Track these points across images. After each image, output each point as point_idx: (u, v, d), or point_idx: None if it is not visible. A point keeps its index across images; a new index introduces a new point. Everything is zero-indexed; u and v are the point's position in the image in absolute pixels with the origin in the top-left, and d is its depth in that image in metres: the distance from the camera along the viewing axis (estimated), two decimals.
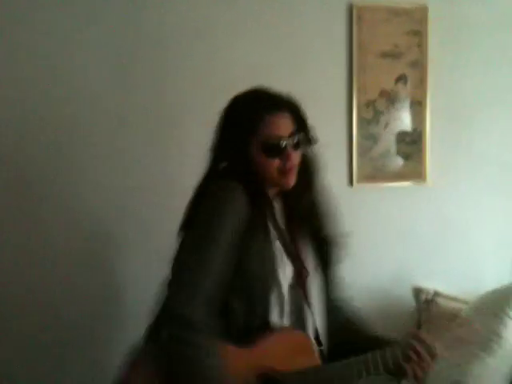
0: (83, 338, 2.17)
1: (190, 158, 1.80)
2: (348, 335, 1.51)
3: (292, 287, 1.40)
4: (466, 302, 2.35)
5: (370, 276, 2.45)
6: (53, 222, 2.16)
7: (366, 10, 2.35)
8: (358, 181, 2.39)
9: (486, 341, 2.06)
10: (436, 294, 2.43)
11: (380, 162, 2.41)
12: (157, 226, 2.13)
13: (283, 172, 1.37)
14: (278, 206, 1.46)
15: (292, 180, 1.38)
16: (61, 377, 2.16)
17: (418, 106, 2.43)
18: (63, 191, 2.17)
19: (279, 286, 1.35)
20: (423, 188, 2.48)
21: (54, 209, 2.16)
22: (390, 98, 2.40)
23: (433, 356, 1.32)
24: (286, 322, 1.38)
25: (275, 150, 1.35)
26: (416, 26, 2.41)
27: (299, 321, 1.41)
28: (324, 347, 1.42)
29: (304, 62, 2.34)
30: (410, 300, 2.49)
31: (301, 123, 1.43)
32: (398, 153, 2.43)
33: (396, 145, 2.43)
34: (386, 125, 2.41)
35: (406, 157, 2.44)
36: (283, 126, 1.37)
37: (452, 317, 2.30)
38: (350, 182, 2.40)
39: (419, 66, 2.42)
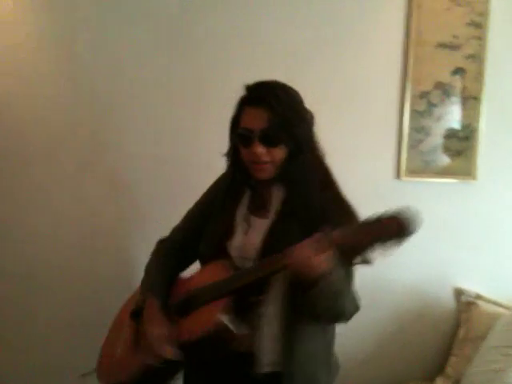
0: None
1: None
2: None
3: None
4: (508, 307, 2.29)
5: (411, 274, 2.40)
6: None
7: None
8: (406, 174, 2.33)
9: None
10: (477, 296, 2.38)
11: (430, 156, 2.34)
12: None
13: (253, 163, 1.43)
14: (278, 192, 1.50)
15: (260, 173, 1.43)
16: None
17: (473, 101, 2.34)
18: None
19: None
20: (472, 186, 2.40)
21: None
22: (445, 91, 2.32)
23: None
24: None
25: (244, 140, 1.42)
26: (477, 18, 2.32)
27: None
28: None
29: (359, 48, 2.29)
30: (450, 301, 2.44)
31: (282, 122, 1.40)
32: (449, 148, 2.36)
33: (447, 140, 2.35)
34: (439, 118, 2.33)
35: (457, 153, 2.36)
36: (255, 119, 1.40)
37: (492, 321, 2.25)
38: (398, 175, 2.34)
39: (477, 59, 2.33)
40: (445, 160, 2.36)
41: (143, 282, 1.57)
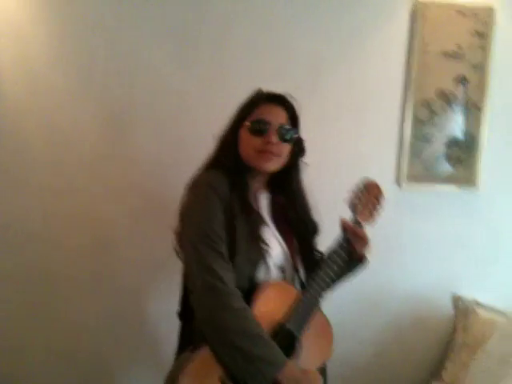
0: None
1: None
2: None
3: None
4: (506, 315, 2.30)
5: (410, 280, 2.42)
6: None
7: (431, 7, 2.28)
8: (407, 182, 2.34)
9: None
10: (476, 303, 2.39)
11: (431, 164, 2.36)
12: None
13: (262, 151, 1.49)
14: (264, 200, 1.61)
15: (268, 162, 1.51)
16: None
17: (475, 110, 2.35)
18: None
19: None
20: (473, 194, 2.41)
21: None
22: (448, 100, 2.33)
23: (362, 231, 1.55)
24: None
25: (260, 129, 1.50)
26: (481, 28, 2.33)
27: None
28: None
29: (362, 56, 2.30)
30: (448, 307, 2.45)
31: (294, 126, 1.58)
32: (451, 156, 2.37)
33: (449, 148, 2.36)
34: (441, 127, 2.35)
35: (459, 161, 2.37)
36: (275, 114, 1.53)
37: (489, 328, 2.27)
38: (398, 183, 2.36)
39: (481, 68, 2.34)
40: (446, 168, 2.38)
41: (269, 353, 1.34)
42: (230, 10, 2.22)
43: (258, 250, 1.46)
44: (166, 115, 2.22)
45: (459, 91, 2.34)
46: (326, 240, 1.68)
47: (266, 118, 1.51)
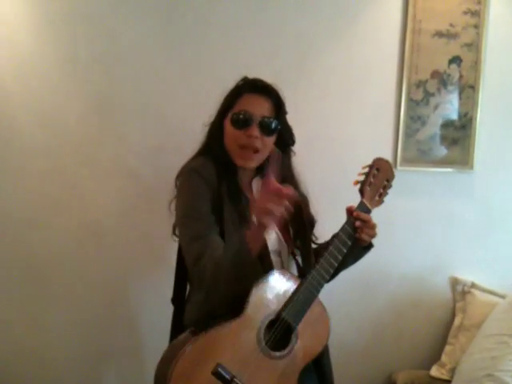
0: None
1: None
2: None
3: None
4: (503, 296, 2.30)
5: (406, 262, 2.40)
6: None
7: None
8: (402, 163, 2.32)
9: None
10: (473, 285, 2.39)
11: (426, 145, 2.33)
12: None
13: (244, 147, 1.49)
14: (256, 186, 1.59)
15: (249, 161, 1.51)
16: None
17: (470, 90, 2.33)
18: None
19: None
20: (469, 175, 2.39)
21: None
22: (442, 80, 2.31)
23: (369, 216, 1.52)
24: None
25: (241, 122, 1.49)
26: (474, 6, 2.30)
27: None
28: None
29: (355, 37, 2.27)
30: (446, 290, 2.44)
31: (279, 117, 1.55)
32: (446, 137, 2.34)
33: (444, 129, 2.34)
34: (436, 107, 2.32)
35: (454, 142, 2.35)
36: (258, 106, 1.50)
37: (487, 309, 2.26)
38: (394, 164, 2.33)
39: (475, 48, 2.31)
40: (441, 149, 2.36)
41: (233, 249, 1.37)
42: None
43: None
44: (151, 97, 2.19)
45: (453, 71, 2.32)
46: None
47: (248, 110, 1.50)
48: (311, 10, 2.23)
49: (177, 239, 1.57)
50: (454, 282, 2.43)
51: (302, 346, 1.42)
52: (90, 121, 2.17)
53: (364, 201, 1.53)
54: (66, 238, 2.20)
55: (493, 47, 2.33)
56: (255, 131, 1.48)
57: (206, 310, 1.47)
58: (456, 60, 2.32)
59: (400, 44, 2.29)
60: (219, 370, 1.30)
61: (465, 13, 2.30)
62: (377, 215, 1.55)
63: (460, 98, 2.34)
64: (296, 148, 1.70)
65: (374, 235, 1.54)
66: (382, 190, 1.57)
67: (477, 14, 2.30)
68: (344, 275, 1.66)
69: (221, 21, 2.20)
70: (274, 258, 1.54)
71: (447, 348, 2.36)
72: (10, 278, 2.19)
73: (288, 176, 1.63)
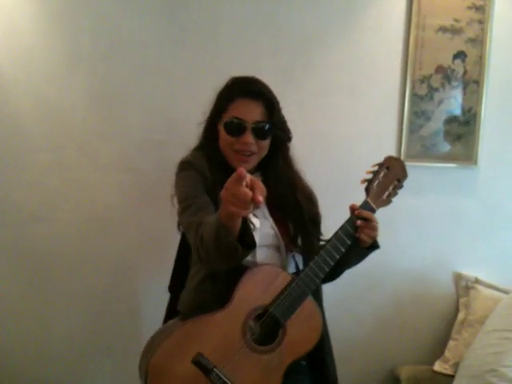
0: None
1: None
2: None
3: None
4: (506, 292, 2.30)
5: (410, 258, 2.40)
6: None
7: None
8: (406, 159, 2.31)
9: None
10: (477, 280, 2.39)
11: (430, 141, 2.33)
12: None
13: (236, 151, 1.50)
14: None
15: (245, 162, 1.50)
16: None
17: (474, 85, 2.32)
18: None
19: None
20: (473, 171, 2.39)
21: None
22: (446, 75, 2.30)
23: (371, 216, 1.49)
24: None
25: (234, 129, 1.49)
26: (478, 1, 2.28)
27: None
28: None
29: (359, 32, 2.27)
30: (449, 285, 2.44)
31: (273, 118, 1.52)
32: (450, 133, 2.34)
33: (448, 124, 2.33)
34: (440, 103, 2.32)
35: (458, 137, 2.34)
36: (251, 111, 1.49)
37: (490, 304, 2.27)
38: None
39: (479, 43, 2.31)
40: (445, 145, 2.35)
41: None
42: None
43: None
44: (155, 93, 2.19)
45: (458, 66, 2.31)
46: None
47: (240, 117, 1.49)
48: (316, 5, 2.23)
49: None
50: (458, 278, 2.43)
51: (290, 342, 1.42)
52: (93, 116, 2.18)
53: (368, 200, 1.51)
54: (69, 232, 2.21)
55: (497, 42, 2.32)
56: (249, 138, 1.48)
57: (199, 298, 1.50)
58: (460, 55, 2.31)
59: (404, 39, 2.28)
60: (199, 359, 1.31)
61: (469, 8, 2.29)
62: (380, 211, 1.54)
63: (464, 94, 2.33)
64: (300, 144, 1.69)
65: (373, 236, 1.51)
66: (391, 190, 1.54)
67: (481, 9, 2.29)
68: (347, 270, 1.66)
69: (226, 16, 2.19)
70: (271, 252, 1.55)
71: (450, 343, 2.36)
72: (12, 271, 2.20)
73: (287, 172, 1.62)
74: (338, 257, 1.45)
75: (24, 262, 2.20)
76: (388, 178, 1.52)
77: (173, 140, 2.14)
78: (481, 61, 2.31)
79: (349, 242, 1.46)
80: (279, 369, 1.41)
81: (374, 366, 2.45)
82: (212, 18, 2.19)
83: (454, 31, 2.29)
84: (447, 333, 2.42)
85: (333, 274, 1.57)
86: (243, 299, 1.39)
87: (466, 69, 2.31)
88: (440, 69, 2.30)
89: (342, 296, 2.24)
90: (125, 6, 2.15)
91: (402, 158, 2.31)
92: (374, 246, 1.55)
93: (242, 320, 1.38)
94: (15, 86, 2.13)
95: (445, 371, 2.29)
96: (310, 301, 1.44)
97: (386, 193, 1.53)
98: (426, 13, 2.26)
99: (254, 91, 1.51)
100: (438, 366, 2.32)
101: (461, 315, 2.39)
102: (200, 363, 1.31)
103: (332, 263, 1.44)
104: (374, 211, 1.50)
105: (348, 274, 1.68)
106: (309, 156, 1.74)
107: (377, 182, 1.51)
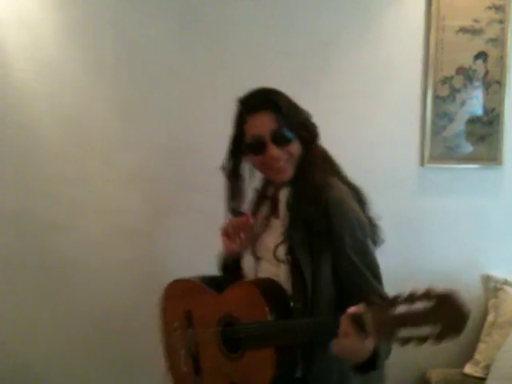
0: None
1: None
2: None
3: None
4: None
5: (437, 260, 2.39)
6: None
7: None
8: (430, 161, 2.31)
9: None
10: (506, 282, 2.36)
11: (453, 142, 2.32)
12: None
13: (269, 167, 1.44)
14: (285, 195, 1.50)
15: (281, 173, 1.45)
16: None
17: (496, 85, 2.31)
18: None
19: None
20: (498, 170, 2.37)
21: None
22: (468, 76, 2.29)
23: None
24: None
25: (255, 147, 1.43)
26: (498, 1, 2.28)
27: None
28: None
29: (379, 35, 2.28)
30: (478, 287, 2.42)
31: (288, 121, 1.43)
32: (473, 133, 2.33)
33: (471, 125, 2.32)
34: (462, 103, 2.31)
35: (481, 138, 2.33)
36: (261, 124, 1.43)
37: None
38: (421, 162, 2.33)
39: (499, 43, 2.30)
40: (469, 146, 2.34)
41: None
42: None
43: None
44: (174, 100, 2.22)
45: (479, 66, 2.30)
46: None
47: (256, 133, 1.42)
48: (333, 8, 2.25)
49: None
50: (486, 280, 2.41)
51: (243, 367, 1.39)
52: (115, 126, 2.22)
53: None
54: (90, 241, 2.24)
55: None
56: (273, 150, 1.41)
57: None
58: (481, 56, 2.30)
59: (424, 41, 2.28)
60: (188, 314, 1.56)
61: (489, 8, 2.28)
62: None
63: (486, 94, 2.32)
64: None
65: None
66: (414, 334, 0.99)
67: (501, 9, 2.28)
68: None
69: (242, 21, 2.22)
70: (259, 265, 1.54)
71: (480, 346, 2.34)
72: (32, 278, 2.23)
73: (313, 183, 1.45)
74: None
75: (42, 271, 2.23)
76: (425, 315, 0.99)
77: (193, 147, 2.18)
78: (502, 61, 2.30)
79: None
80: (225, 380, 1.45)
81: (405, 370, 2.42)
82: (226, 22, 2.22)
83: (474, 32, 2.29)
84: (477, 335, 2.39)
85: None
86: (226, 300, 1.49)
87: (487, 69, 2.30)
88: (461, 70, 2.29)
89: None
90: (142, 17, 2.19)
91: (426, 159, 2.31)
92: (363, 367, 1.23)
93: (222, 314, 1.47)
94: (39, 98, 2.17)
95: (475, 374, 2.26)
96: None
97: (404, 331, 1.00)
98: (446, 14, 2.26)
99: (257, 103, 1.45)
100: (468, 369, 2.30)
101: (490, 317, 2.36)
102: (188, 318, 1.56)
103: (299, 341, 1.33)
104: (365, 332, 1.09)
105: None
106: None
107: (407, 308, 1.01)
